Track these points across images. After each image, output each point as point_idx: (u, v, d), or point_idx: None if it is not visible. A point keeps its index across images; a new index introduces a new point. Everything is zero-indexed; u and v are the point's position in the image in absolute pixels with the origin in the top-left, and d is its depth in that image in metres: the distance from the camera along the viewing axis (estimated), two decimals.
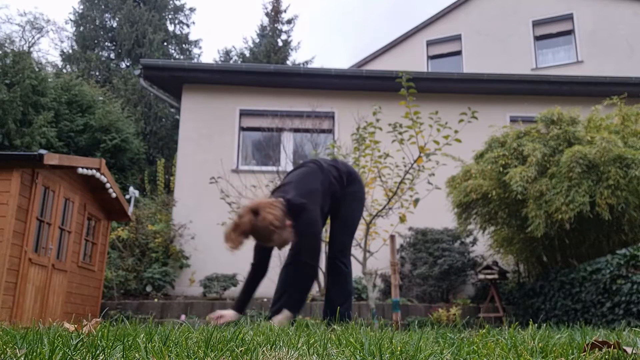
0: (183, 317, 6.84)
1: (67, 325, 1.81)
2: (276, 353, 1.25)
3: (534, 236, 5.91)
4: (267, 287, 3.39)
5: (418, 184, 5.63)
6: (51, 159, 5.09)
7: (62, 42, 24.38)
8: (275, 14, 22.06)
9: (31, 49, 16.60)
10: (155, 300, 7.56)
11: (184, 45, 21.16)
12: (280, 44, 21.32)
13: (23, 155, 5.29)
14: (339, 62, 50.20)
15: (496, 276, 7.03)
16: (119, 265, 8.01)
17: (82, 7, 19.87)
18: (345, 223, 3.20)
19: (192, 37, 21.89)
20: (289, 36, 21.77)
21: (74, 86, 13.57)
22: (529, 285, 6.89)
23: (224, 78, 9.71)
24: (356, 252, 5.94)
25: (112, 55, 20.04)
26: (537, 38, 13.87)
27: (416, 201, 5.39)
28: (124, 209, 7.02)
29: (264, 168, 8.80)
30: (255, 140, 9.88)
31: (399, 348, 1.31)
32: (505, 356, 1.23)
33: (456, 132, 5.09)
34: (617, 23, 13.26)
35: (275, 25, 21.95)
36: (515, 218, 6.45)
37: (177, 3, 21.10)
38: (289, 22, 22.05)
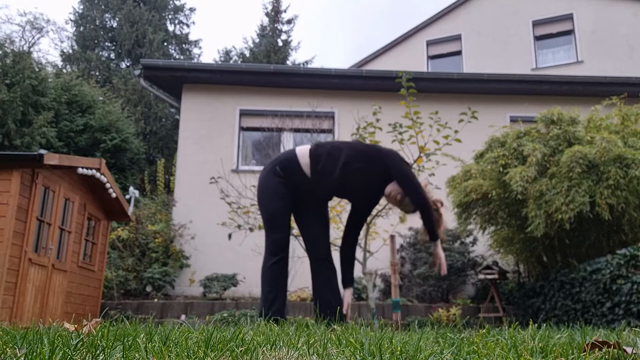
0: (183, 317, 6.84)
1: (67, 325, 1.81)
2: (276, 353, 1.25)
3: (534, 236, 5.91)
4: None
5: None
6: (51, 159, 5.09)
7: (62, 42, 24.44)
8: (275, 14, 22.07)
9: (31, 49, 16.61)
10: (155, 300, 7.56)
11: (184, 45, 21.16)
12: (280, 44, 21.33)
13: (23, 155, 5.29)
14: (338, 60, 50.17)
15: (496, 276, 7.03)
16: (119, 265, 8.02)
17: (82, 7, 19.87)
18: (327, 224, 3.26)
19: (192, 37, 21.91)
20: (289, 36, 21.78)
21: (74, 86, 13.57)
22: (529, 285, 6.89)
23: (224, 78, 9.71)
24: (356, 252, 5.93)
25: (112, 55, 20.04)
26: (537, 38, 13.87)
27: None
28: (124, 209, 7.02)
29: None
30: (255, 140, 9.88)
31: (399, 348, 1.31)
32: (505, 356, 1.23)
33: (456, 132, 5.09)
34: (617, 23, 13.27)
35: (275, 25, 21.95)
36: (515, 218, 6.45)
37: (177, 3, 21.11)
38: (289, 22, 22.06)
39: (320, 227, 3.18)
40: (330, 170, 2.99)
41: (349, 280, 3.23)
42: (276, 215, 3.08)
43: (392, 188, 3.01)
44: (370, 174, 3.00)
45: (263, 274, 3.04)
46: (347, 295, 3.21)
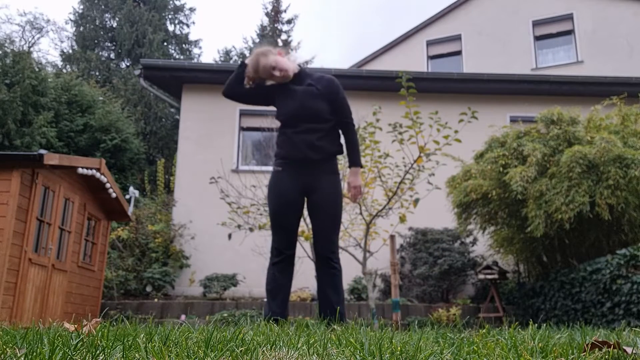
0: (183, 317, 6.84)
1: (67, 325, 1.81)
2: (276, 353, 1.25)
3: (534, 236, 5.91)
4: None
5: (418, 184, 5.63)
6: (51, 159, 5.09)
7: (62, 42, 24.42)
8: (275, 14, 22.08)
9: (31, 49, 16.62)
10: (155, 300, 7.56)
11: (184, 45, 21.17)
12: (280, 44, 21.33)
13: (23, 155, 5.29)
14: (337, 59, 50.18)
15: (496, 276, 7.03)
16: (119, 265, 8.02)
17: (82, 7, 19.88)
18: (335, 217, 3.10)
19: (192, 37, 21.93)
20: (289, 36, 21.79)
21: (74, 86, 13.58)
22: (529, 285, 6.89)
23: (224, 78, 9.56)
24: (356, 252, 5.93)
25: (112, 55, 20.05)
26: (537, 38, 13.87)
27: (416, 201, 5.39)
28: (124, 209, 7.02)
29: (264, 168, 8.79)
30: (255, 140, 9.88)
31: (399, 348, 1.31)
32: (505, 356, 1.23)
33: (456, 132, 5.09)
34: (617, 23, 13.26)
35: (275, 25, 21.96)
36: (515, 218, 6.45)
37: (177, 3, 21.11)
38: (289, 22, 22.07)
39: (326, 221, 3.10)
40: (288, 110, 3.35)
41: (351, 161, 3.25)
42: (275, 216, 3.08)
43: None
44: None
45: (268, 273, 3.08)
46: (348, 174, 3.26)
